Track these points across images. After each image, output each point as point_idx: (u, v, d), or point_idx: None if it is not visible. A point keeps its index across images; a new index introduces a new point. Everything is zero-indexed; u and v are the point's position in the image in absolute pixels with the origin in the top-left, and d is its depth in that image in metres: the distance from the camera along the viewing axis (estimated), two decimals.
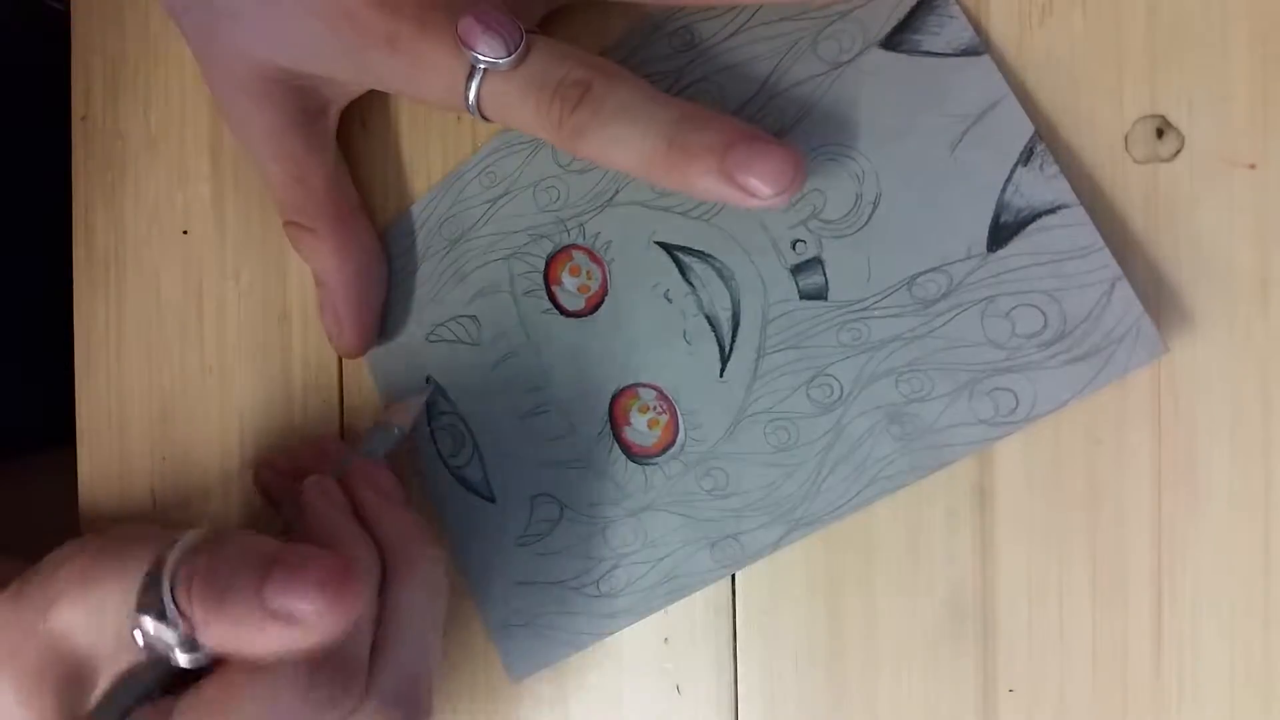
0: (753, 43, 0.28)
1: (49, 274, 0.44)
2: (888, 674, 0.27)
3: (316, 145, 0.32)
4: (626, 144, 0.25)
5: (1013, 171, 0.25)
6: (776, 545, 0.29)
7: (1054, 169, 0.24)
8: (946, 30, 0.25)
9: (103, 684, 0.26)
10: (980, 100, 0.25)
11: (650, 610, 0.31)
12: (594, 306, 0.31)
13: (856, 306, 0.27)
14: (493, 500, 0.33)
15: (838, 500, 0.28)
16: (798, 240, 0.28)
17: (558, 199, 0.31)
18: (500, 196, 0.32)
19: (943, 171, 0.26)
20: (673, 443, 0.30)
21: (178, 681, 0.26)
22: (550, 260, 0.31)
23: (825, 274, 0.27)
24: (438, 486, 0.34)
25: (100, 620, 0.26)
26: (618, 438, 0.31)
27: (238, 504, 0.39)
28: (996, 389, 0.25)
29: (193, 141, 0.39)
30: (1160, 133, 0.23)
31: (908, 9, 0.26)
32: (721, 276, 0.29)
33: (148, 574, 0.26)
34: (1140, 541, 0.24)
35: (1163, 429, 0.23)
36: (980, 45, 0.25)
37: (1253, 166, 0.22)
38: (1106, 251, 0.24)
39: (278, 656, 0.25)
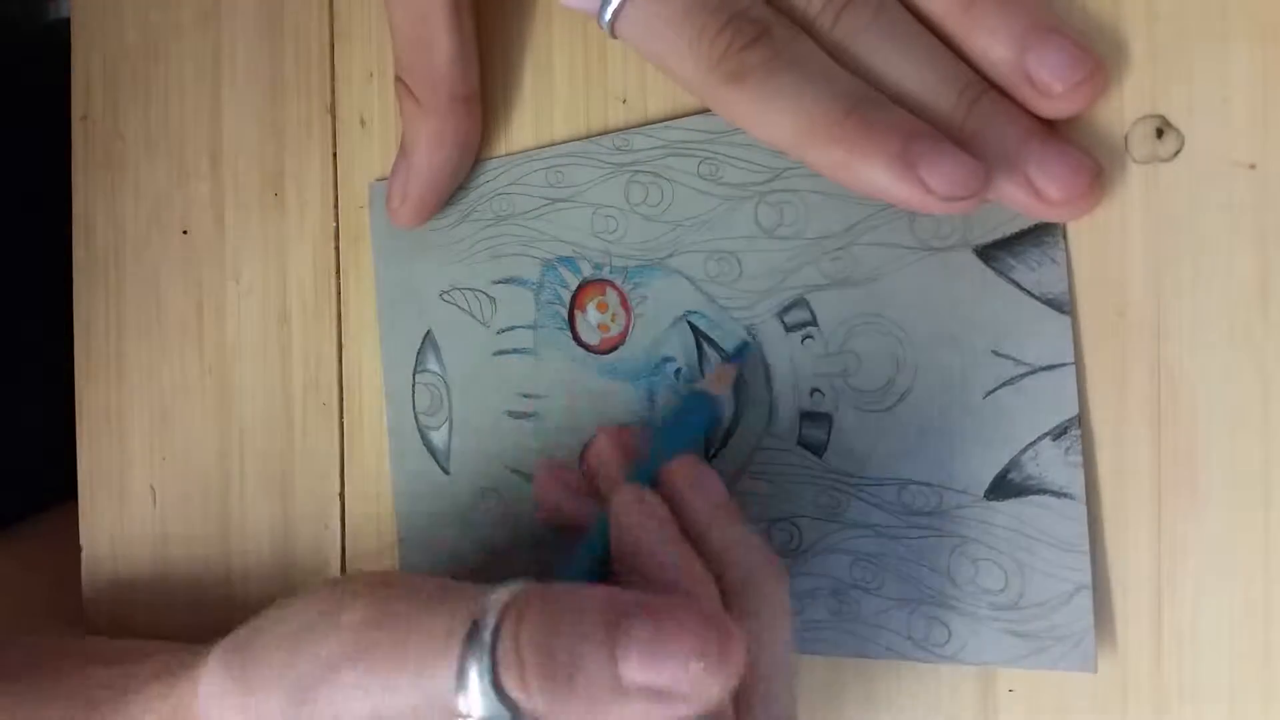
0: None
1: (49, 278, 0.43)
2: (887, 672, 0.27)
3: (455, 13, 0.29)
4: (794, 101, 0.22)
5: (1040, 439, 0.24)
6: None
7: (1078, 458, 0.24)
8: (1043, 271, 0.24)
9: None
10: (1043, 357, 0.24)
11: None
12: (607, 349, 0.30)
13: (845, 479, 0.27)
14: (446, 473, 0.33)
15: None
16: (817, 390, 0.27)
17: (614, 231, 0.30)
18: (561, 200, 0.31)
19: (978, 403, 0.25)
20: None
21: None
22: (584, 285, 0.31)
23: (830, 434, 0.27)
24: (402, 436, 0.34)
25: (398, 712, 0.21)
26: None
27: (238, 508, 0.39)
28: (937, 619, 0.26)
29: (193, 141, 0.39)
30: (1160, 133, 0.23)
31: (1016, 230, 0.24)
32: (734, 385, 0.28)
33: (461, 656, 0.21)
34: (1140, 541, 0.24)
35: (1162, 429, 0.23)
36: (1067, 303, 0.24)
37: (1253, 166, 0.22)
38: (1087, 557, 0.24)
39: None
